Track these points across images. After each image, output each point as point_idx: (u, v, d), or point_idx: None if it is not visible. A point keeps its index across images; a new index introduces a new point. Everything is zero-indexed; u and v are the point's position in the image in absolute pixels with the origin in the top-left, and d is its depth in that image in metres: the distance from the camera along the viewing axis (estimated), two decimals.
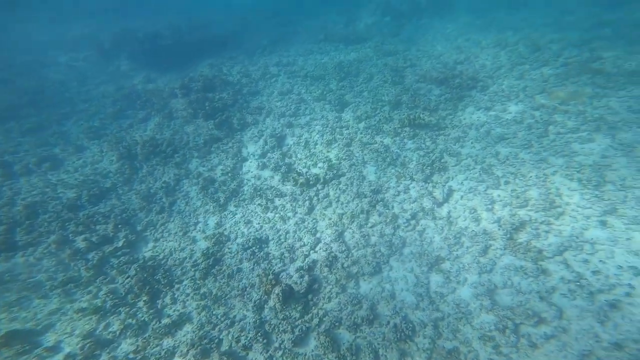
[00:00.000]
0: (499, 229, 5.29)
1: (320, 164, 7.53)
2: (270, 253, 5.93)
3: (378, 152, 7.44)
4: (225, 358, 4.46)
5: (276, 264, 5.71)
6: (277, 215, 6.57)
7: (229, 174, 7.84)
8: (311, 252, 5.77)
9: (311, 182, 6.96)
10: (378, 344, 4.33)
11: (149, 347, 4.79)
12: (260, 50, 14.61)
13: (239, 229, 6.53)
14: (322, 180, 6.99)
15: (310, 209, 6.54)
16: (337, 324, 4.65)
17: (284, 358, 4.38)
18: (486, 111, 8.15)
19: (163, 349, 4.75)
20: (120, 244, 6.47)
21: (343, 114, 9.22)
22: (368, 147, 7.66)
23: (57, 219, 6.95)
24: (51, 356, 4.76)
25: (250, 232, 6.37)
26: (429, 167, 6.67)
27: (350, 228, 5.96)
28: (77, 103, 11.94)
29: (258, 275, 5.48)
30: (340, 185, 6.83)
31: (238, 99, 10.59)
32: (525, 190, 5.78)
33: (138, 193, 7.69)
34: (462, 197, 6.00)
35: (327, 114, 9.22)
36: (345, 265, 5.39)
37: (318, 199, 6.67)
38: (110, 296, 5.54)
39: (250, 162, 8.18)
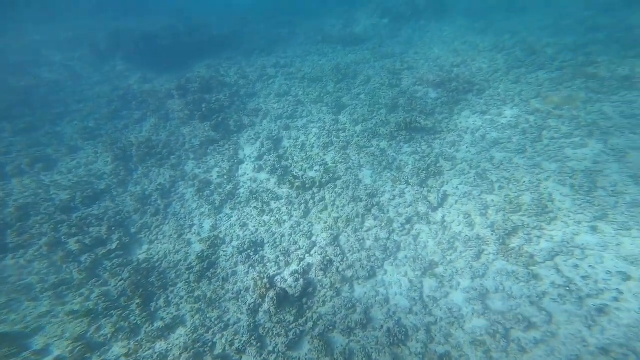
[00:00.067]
0: (492, 234, 5.34)
1: (316, 167, 7.53)
2: (265, 256, 5.93)
3: (374, 155, 7.47)
4: None
5: (271, 268, 5.71)
6: (272, 218, 6.57)
7: (225, 177, 7.82)
8: (306, 255, 5.78)
9: (307, 186, 6.96)
10: (371, 348, 4.35)
11: (141, 350, 4.77)
12: (258, 51, 14.56)
13: (234, 231, 6.52)
14: (318, 183, 6.99)
15: (306, 213, 6.54)
16: (331, 327, 4.67)
17: None
18: (482, 115, 8.22)
19: (155, 352, 4.73)
20: (114, 246, 6.42)
21: (340, 116, 9.23)
22: (364, 150, 7.68)
23: (50, 221, 6.87)
24: (39, 359, 4.71)
25: (246, 235, 6.36)
26: (425, 172, 6.71)
27: (346, 232, 5.98)
28: (71, 103, 11.80)
29: (253, 279, 5.47)
30: (336, 189, 6.84)
31: (235, 101, 10.56)
32: (518, 195, 5.84)
33: (133, 195, 7.63)
34: (456, 201, 6.05)
35: (324, 117, 9.22)
36: (340, 269, 5.41)
37: (314, 203, 6.68)
38: (103, 299, 5.49)
39: (247, 164, 8.16)
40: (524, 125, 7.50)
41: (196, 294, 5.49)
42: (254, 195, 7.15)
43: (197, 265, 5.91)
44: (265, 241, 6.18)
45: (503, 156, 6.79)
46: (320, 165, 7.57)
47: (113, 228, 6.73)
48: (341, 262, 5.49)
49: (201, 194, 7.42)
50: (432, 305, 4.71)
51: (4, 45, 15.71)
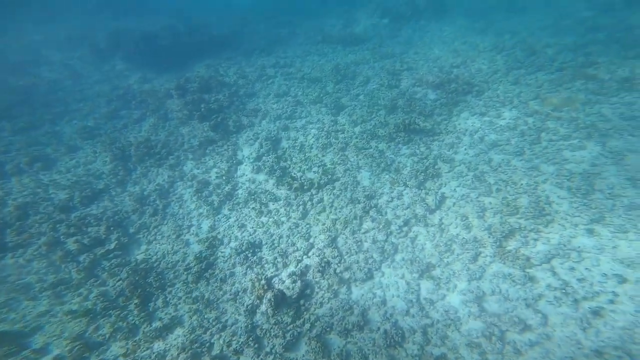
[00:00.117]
0: (489, 237, 5.35)
1: (315, 169, 7.54)
2: (263, 257, 5.95)
3: (373, 157, 7.47)
4: None
5: (269, 269, 5.72)
6: (271, 219, 6.58)
7: (224, 177, 7.82)
8: (304, 257, 5.80)
9: (305, 187, 6.97)
10: (368, 349, 4.37)
11: (139, 350, 4.79)
12: (257, 51, 14.54)
13: (232, 232, 6.53)
14: (316, 185, 7.00)
15: (304, 214, 6.56)
16: (328, 329, 4.69)
17: None
18: (481, 117, 8.22)
19: (154, 352, 4.75)
20: (112, 246, 6.44)
21: (339, 117, 9.23)
22: (363, 152, 7.68)
23: (48, 220, 6.89)
24: (38, 358, 4.75)
25: (244, 236, 6.38)
26: (423, 174, 6.71)
27: (344, 234, 6.00)
28: (71, 102, 11.80)
29: (251, 280, 5.49)
30: (335, 190, 6.85)
31: (234, 101, 10.55)
32: (516, 198, 5.85)
33: (131, 195, 7.65)
34: (454, 204, 6.06)
35: (323, 117, 9.22)
36: (337, 270, 5.42)
37: (312, 204, 6.69)
38: (101, 299, 5.52)
39: (245, 165, 8.16)
40: (523, 127, 7.50)
41: (194, 294, 5.51)
42: (253, 196, 7.16)
43: (195, 266, 5.93)
44: (263, 242, 6.20)
45: (501, 158, 6.80)
46: (319, 166, 7.58)
47: (111, 228, 6.75)
48: (339, 264, 5.51)
49: (200, 194, 7.43)
50: (429, 308, 4.73)
51: (4, 45, 15.70)
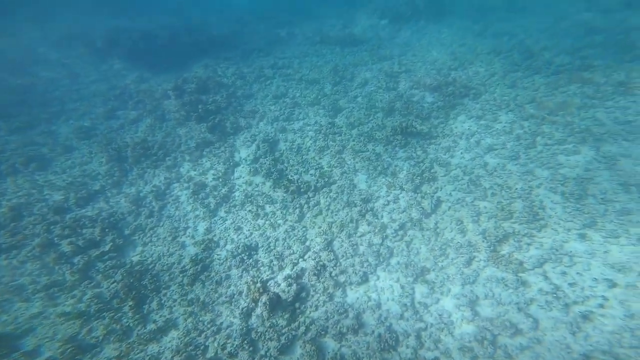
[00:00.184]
0: (483, 241, 5.39)
1: (312, 171, 7.55)
2: (259, 260, 5.95)
3: (369, 160, 7.49)
4: None
5: (265, 272, 5.73)
6: (267, 222, 6.59)
7: (221, 179, 7.81)
8: (300, 260, 5.81)
9: (302, 190, 6.98)
10: (362, 353, 4.40)
11: (132, 353, 4.78)
12: (256, 51, 14.51)
13: (228, 235, 6.53)
14: (313, 187, 7.02)
15: (301, 217, 6.57)
16: (323, 332, 4.71)
17: None
18: (477, 120, 8.26)
19: (147, 355, 4.75)
20: (107, 248, 6.41)
21: (336, 119, 9.24)
22: (360, 154, 7.70)
23: (43, 222, 6.85)
24: None
25: (240, 239, 6.38)
26: (419, 177, 6.74)
27: (340, 237, 6.01)
28: (67, 102, 11.72)
29: (246, 283, 5.49)
30: (331, 194, 6.87)
31: (232, 102, 10.53)
32: (510, 202, 5.89)
33: (127, 196, 7.61)
34: (449, 208, 6.09)
35: (320, 120, 9.22)
36: (333, 274, 5.44)
37: (308, 207, 6.70)
38: (95, 301, 5.50)
39: (242, 167, 8.15)
40: (518, 131, 7.55)
41: (189, 297, 5.51)
42: (249, 199, 7.16)
43: (190, 268, 5.93)
44: (260, 245, 6.20)
45: (497, 162, 6.84)
46: (316, 169, 7.59)
47: (107, 230, 6.72)
48: (334, 267, 5.53)
49: (196, 196, 7.42)
50: (423, 311, 4.76)
51: (0, 44, 15.53)
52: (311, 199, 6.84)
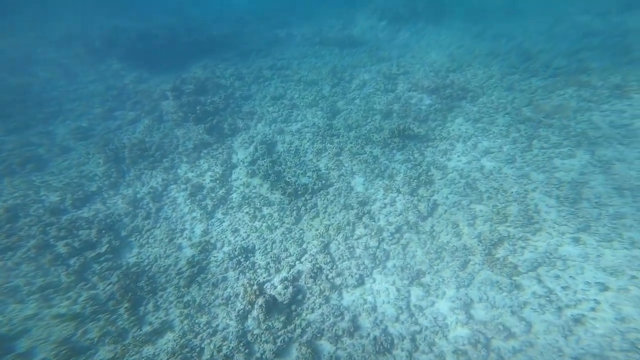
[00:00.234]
0: (478, 244, 5.43)
1: (309, 173, 7.56)
2: (256, 262, 5.96)
3: (367, 162, 7.51)
4: None
5: (261, 274, 5.75)
6: (264, 224, 6.60)
7: (218, 181, 7.81)
8: (297, 262, 5.83)
9: (299, 192, 6.99)
10: (358, 356, 4.42)
11: (127, 355, 4.78)
12: (255, 52, 14.50)
13: (225, 237, 6.54)
14: (310, 190, 7.03)
15: (298, 219, 6.58)
16: (319, 335, 4.73)
17: None
18: (474, 123, 8.30)
19: (143, 357, 4.75)
20: (103, 249, 6.40)
21: (334, 121, 9.25)
22: (357, 157, 7.72)
23: (39, 223, 6.83)
24: None
25: (237, 241, 6.39)
26: (416, 180, 6.77)
27: (336, 239, 6.04)
28: (65, 102, 11.67)
29: (243, 285, 5.51)
30: (328, 196, 6.88)
31: (230, 103, 10.52)
32: (505, 206, 5.93)
33: (124, 198, 7.60)
34: (445, 211, 6.13)
35: (318, 121, 9.24)
36: (329, 276, 5.46)
37: (306, 209, 6.72)
38: (90, 302, 5.50)
39: (240, 169, 8.15)
40: (515, 134, 7.59)
41: (185, 299, 5.51)
42: (246, 201, 7.17)
43: (187, 270, 5.93)
44: (256, 247, 6.22)
45: (493, 165, 6.88)
46: (313, 171, 7.60)
47: (103, 231, 6.71)
48: (331, 270, 5.55)
49: (193, 198, 7.42)
50: (418, 314, 4.79)
51: None
52: (308, 201, 6.86)
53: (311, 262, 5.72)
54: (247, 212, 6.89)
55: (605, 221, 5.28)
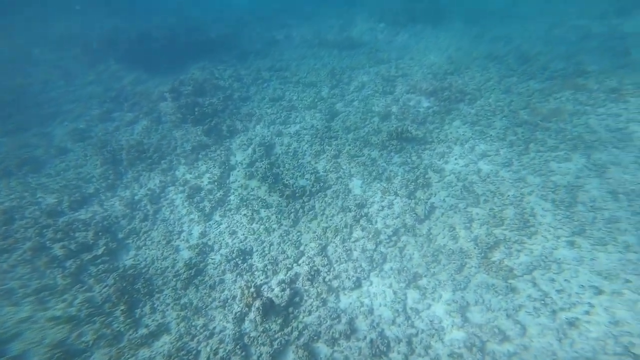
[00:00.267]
0: (475, 248, 5.46)
1: (307, 176, 7.58)
2: (253, 265, 5.97)
3: (365, 165, 7.54)
4: None
5: (259, 276, 5.75)
6: (262, 226, 6.60)
7: (216, 183, 7.81)
8: (294, 265, 5.84)
9: (297, 194, 7.01)
10: (354, 358, 4.43)
11: (123, 358, 4.77)
12: (254, 53, 14.51)
13: (223, 239, 6.54)
14: (308, 192, 7.04)
15: (295, 222, 6.59)
16: (315, 337, 4.74)
17: None
18: (472, 126, 8.34)
19: None
20: (100, 251, 6.39)
21: (333, 123, 9.28)
22: (355, 159, 7.74)
23: (35, 225, 6.80)
24: None
25: (235, 243, 6.39)
26: (413, 183, 6.80)
27: (334, 242, 6.05)
28: (62, 103, 11.64)
29: (240, 287, 5.51)
30: (326, 199, 6.90)
31: (228, 105, 10.52)
32: (502, 209, 5.97)
33: (121, 200, 7.59)
34: (442, 214, 6.16)
35: (316, 123, 9.26)
36: (326, 279, 5.48)
37: (303, 212, 6.73)
38: (86, 305, 5.48)
39: (238, 171, 8.16)
40: (512, 137, 7.64)
41: (182, 301, 5.51)
42: (244, 203, 7.17)
43: (184, 272, 5.93)
44: (254, 249, 6.22)
45: (490, 169, 6.92)
46: (311, 173, 7.62)
47: (100, 233, 6.70)
48: (328, 272, 5.56)
49: (191, 200, 7.41)
50: (415, 317, 4.81)
51: None
52: (306, 203, 6.87)
53: (308, 264, 5.73)
54: (244, 214, 6.90)
55: (600, 225, 5.32)
